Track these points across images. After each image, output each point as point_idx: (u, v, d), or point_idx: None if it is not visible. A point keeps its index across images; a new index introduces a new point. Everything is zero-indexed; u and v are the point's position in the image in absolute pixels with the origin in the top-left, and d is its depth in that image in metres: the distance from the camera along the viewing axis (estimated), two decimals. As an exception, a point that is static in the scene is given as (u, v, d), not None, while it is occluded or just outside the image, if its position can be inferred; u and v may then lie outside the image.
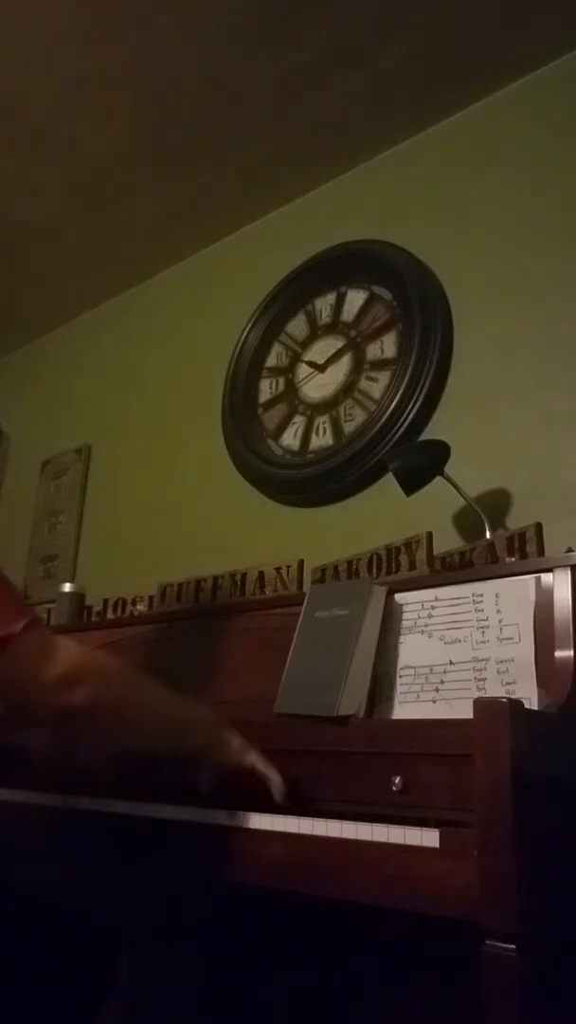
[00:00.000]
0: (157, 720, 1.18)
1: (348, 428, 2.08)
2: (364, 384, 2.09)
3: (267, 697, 1.37)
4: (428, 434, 1.91)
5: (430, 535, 1.50)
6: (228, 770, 1.19)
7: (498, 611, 1.25)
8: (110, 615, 2.01)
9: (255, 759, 1.20)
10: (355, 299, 2.18)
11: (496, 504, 1.73)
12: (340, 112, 2.13)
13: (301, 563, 1.70)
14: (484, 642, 1.24)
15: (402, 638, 1.33)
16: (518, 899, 0.86)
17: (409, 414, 1.94)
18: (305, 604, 1.45)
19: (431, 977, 1.21)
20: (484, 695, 1.12)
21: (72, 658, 1.09)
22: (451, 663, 1.26)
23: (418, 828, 0.95)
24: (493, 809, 0.90)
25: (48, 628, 2.08)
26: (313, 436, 2.16)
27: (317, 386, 2.20)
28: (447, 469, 1.64)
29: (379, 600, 1.35)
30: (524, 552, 1.38)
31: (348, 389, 2.12)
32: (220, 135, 2.24)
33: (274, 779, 1.18)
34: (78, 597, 2.10)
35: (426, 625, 1.32)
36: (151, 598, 1.94)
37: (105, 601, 2.04)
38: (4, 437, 1.50)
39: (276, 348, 2.33)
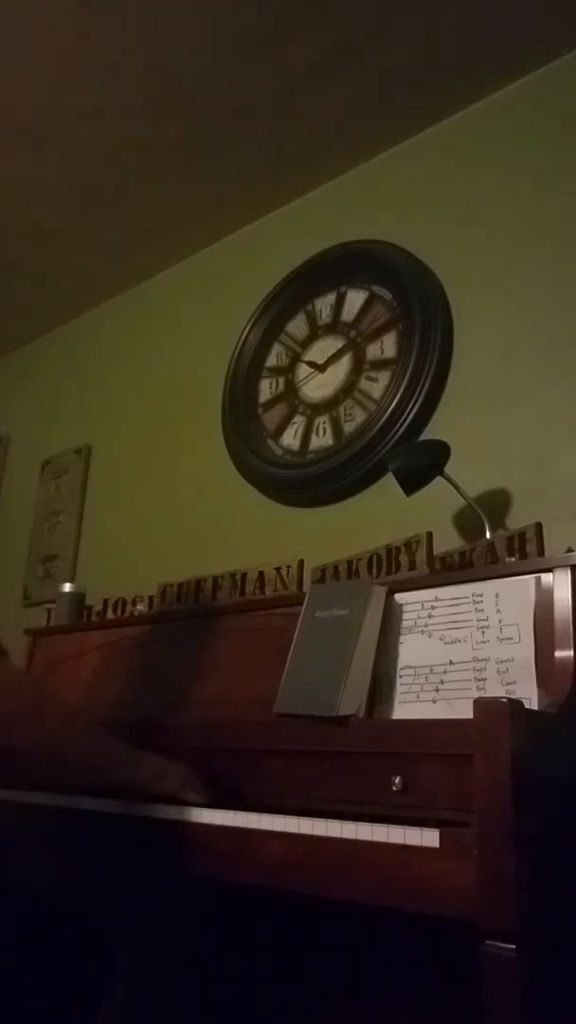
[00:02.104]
0: (83, 759, 1.25)
1: (348, 428, 2.08)
2: (364, 384, 2.09)
3: (267, 697, 1.37)
4: (428, 434, 1.91)
5: (430, 535, 1.50)
6: (150, 798, 1.25)
7: (498, 611, 1.25)
8: (110, 615, 2.01)
9: (172, 785, 1.26)
10: (355, 299, 2.18)
11: (496, 504, 1.73)
12: (340, 112, 2.13)
13: (301, 563, 1.70)
14: (484, 642, 1.24)
15: (402, 638, 1.33)
16: (518, 899, 0.86)
17: (409, 414, 1.94)
18: (305, 604, 1.45)
19: (431, 977, 1.21)
20: (484, 695, 1.12)
21: (16, 699, 1.19)
22: (451, 663, 1.26)
23: (418, 828, 0.95)
24: (493, 809, 0.90)
25: (48, 628, 2.08)
26: (313, 436, 2.16)
27: (317, 386, 2.20)
28: (447, 469, 1.64)
29: (379, 600, 1.36)
30: (524, 552, 1.38)
31: (348, 389, 2.12)
32: (220, 135, 2.24)
33: (193, 796, 1.25)
34: (78, 597, 2.10)
35: (426, 625, 1.32)
36: (151, 598, 1.94)
37: (105, 601, 2.04)
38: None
39: (276, 348, 2.33)
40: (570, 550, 1.26)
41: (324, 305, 2.26)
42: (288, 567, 1.70)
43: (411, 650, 1.31)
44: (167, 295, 2.79)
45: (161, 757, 1.29)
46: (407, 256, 2.07)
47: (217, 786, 1.30)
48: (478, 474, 1.75)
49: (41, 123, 2.22)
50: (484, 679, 1.21)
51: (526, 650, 1.19)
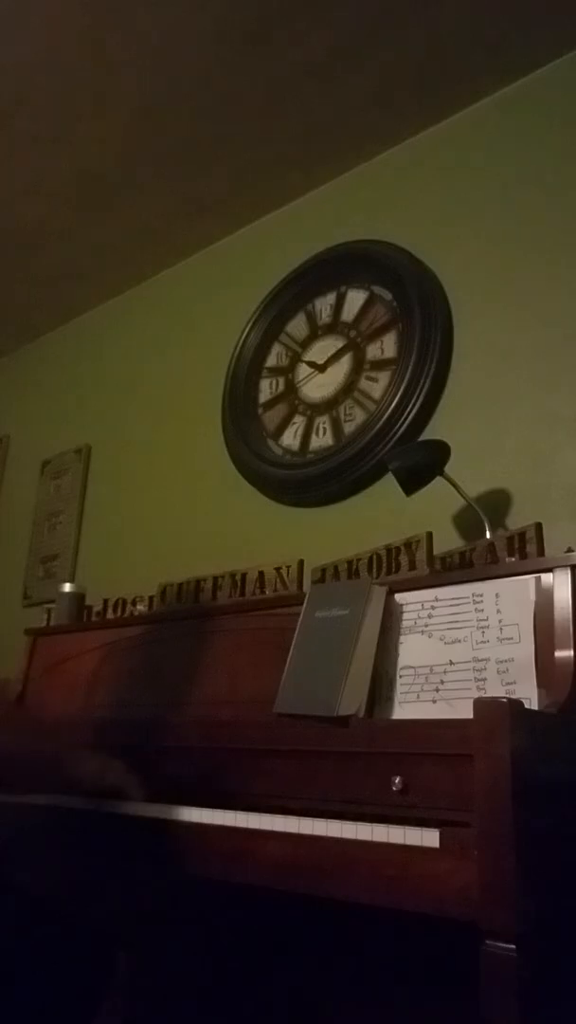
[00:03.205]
0: (30, 761, 1.28)
1: (348, 428, 2.08)
2: (364, 384, 2.09)
3: (267, 697, 1.37)
4: (428, 434, 1.91)
5: (430, 535, 1.50)
6: (91, 792, 1.29)
7: (498, 611, 1.25)
8: (110, 615, 2.01)
9: (111, 780, 1.29)
10: (355, 299, 2.18)
11: (496, 504, 1.73)
12: (340, 112, 2.13)
13: (301, 563, 1.70)
14: (484, 642, 1.24)
15: (402, 638, 1.33)
16: (518, 899, 0.86)
17: (409, 414, 1.94)
18: (305, 604, 1.45)
19: (431, 977, 1.21)
20: (484, 695, 1.12)
21: None
22: (451, 663, 1.26)
23: (418, 828, 0.95)
24: (493, 809, 0.90)
25: (48, 628, 2.08)
26: (313, 436, 2.16)
27: (317, 386, 2.20)
28: (447, 469, 1.64)
29: (379, 600, 1.36)
30: (524, 552, 1.38)
31: (348, 389, 2.12)
32: (220, 135, 2.24)
33: (131, 791, 1.28)
34: (78, 597, 2.10)
35: (426, 625, 1.32)
36: (151, 598, 1.94)
37: (105, 601, 2.04)
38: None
39: (276, 348, 2.33)
40: (570, 550, 1.26)
41: (324, 305, 2.26)
42: (288, 567, 1.70)
43: (411, 650, 1.31)
44: (167, 295, 2.79)
45: (101, 755, 1.32)
46: (407, 256, 2.07)
47: (217, 786, 1.29)
48: (478, 474, 1.75)
49: (41, 123, 2.22)
50: (484, 679, 1.21)
51: (526, 650, 1.19)
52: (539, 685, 1.16)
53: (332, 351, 2.19)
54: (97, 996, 1.18)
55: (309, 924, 1.33)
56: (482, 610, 1.26)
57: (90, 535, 2.76)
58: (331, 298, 2.24)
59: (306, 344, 2.26)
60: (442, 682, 1.26)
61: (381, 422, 1.96)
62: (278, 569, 1.71)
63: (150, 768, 1.36)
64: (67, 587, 2.14)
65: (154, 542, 2.45)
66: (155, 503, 2.52)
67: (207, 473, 2.39)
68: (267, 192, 2.44)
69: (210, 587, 1.82)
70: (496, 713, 0.93)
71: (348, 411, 2.10)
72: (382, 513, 1.91)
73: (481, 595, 1.28)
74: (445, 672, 1.26)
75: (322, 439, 2.14)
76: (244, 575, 1.76)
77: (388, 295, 2.10)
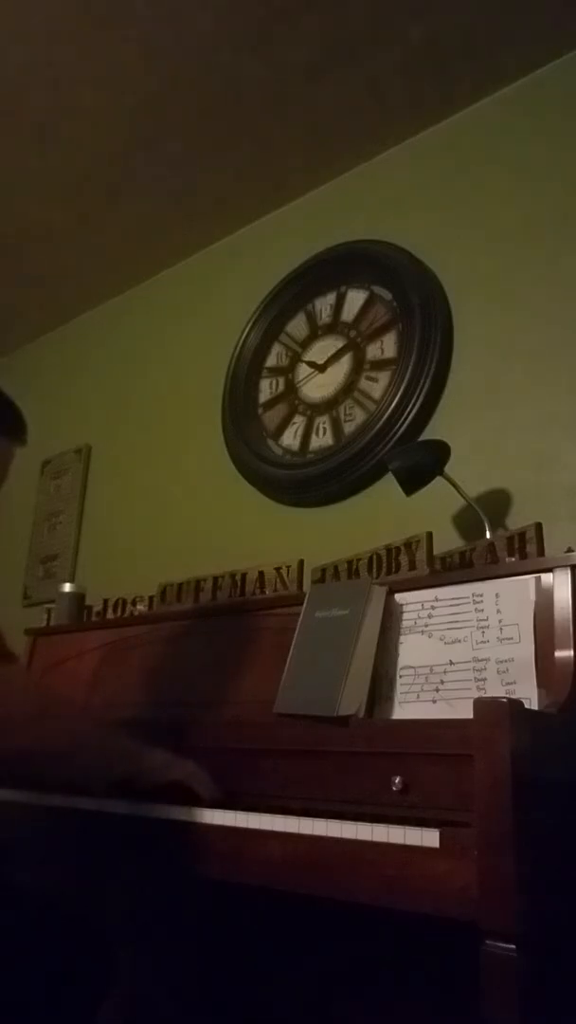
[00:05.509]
0: (82, 756, 1.25)
1: (348, 428, 2.08)
2: (364, 384, 2.09)
3: (267, 697, 1.37)
4: (428, 434, 1.91)
5: (430, 535, 1.50)
6: (157, 788, 1.25)
7: (498, 611, 1.25)
8: (110, 615, 2.01)
9: (179, 773, 1.25)
10: (355, 299, 2.18)
11: (496, 504, 1.73)
12: (340, 112, 2.13)
13: (301, 563, 1.70)
14: (484, 642, 1.24)
15: (402, 638, 1.33)
16: (518, 899, 0.86)
17: (409, 414, 1.94)
18: (305, 604, 1.45)
19: (431, 977, 1.21)
20: (484, 695, 1.12)
21: (16, 703, 1.19)
22: (451, 663, 1.26)
23: (418, 828, 0.95)
24: (493, 809, 0.90)
25: (48, 628, 2.08)
26: (313, 436, 2.16)
27: (317, 386, 2.20)
28: (447, 469, 1.64)
29: (379, 600, 1.36)
30: (524, 552, 1.38)
31: (348, 389, 2.12)
32: (220, 135, 2.24)
33: (199, 786, 1.24)
34: (78, 597, 2.10)
35: (426, 625, 1.32)
36: (151, 598, 1.94)
37: (105, 601, 2.04)
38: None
39: (276, 348, 2.33)
40: (570, 550, 1.26)
41: (324, 305, 2.26)
42: (288, 567, 1.70)
43: (411, 650, 1.31)
44: (167, 295, 2.79)
45: (168, 751, 1.29)
46: (407, 256, 2.07)
47: (217, 786, 1.29)
48: (478, 474, 1.75)
49: (41, 123, 2.22)
50: (484, 679, 1.21)
51: (526, 650, 1.19)
52: (539, 685, 1.16)
53: (332, 351, 2.19)
54: (97, 996, 1.18)
55: (309, 924, 1.33)
56: (482, 610, 1.26)
57: (90, 535, 2.76)
58: (331, 298, 2.24)
59: (306, 344, 2.27)
60: (442, 682, 1.26)
61: (381, 422, 1.96)
62: (278, 569, 1.71)
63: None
64: (67, 587, 2.14)
65: (154, 542, 2.45)
66: (155, 503, 2.52)
67: (207, 473, 2.39)
68: (267, 192, 2.44)
69: (210, 587, 1.82)
70: (496, 713, 0.93)
71: (348, 411, 2.10)
72: (382, 513, 1.91)
73: (481, 595, 1.28)
74: (445, 672, 1.26)
75: (322, 439, 2.14)
76: (244, 575, 1.76)
77: (388, 295, 2.10)
